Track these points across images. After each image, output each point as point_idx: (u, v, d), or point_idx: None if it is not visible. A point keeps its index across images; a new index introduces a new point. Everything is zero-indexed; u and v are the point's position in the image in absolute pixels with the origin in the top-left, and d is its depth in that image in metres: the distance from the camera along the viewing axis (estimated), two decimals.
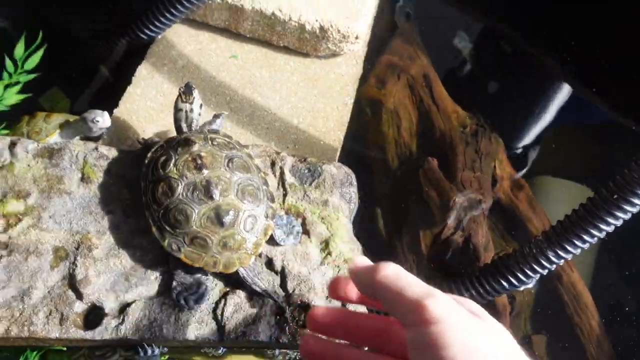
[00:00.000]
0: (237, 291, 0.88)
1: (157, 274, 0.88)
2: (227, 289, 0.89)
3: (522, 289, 1.06)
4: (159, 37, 1.25)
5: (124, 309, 0.84)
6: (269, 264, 0.92)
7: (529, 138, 1.45)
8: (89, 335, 0.82)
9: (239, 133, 1.15)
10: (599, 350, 1.12)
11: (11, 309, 0.81)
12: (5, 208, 0.89)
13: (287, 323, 0.87)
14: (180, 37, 1.27)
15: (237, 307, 0.87)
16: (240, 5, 1.21)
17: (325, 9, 1.22)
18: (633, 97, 1.46)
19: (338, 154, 1.17)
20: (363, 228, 1.09)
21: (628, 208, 0.91)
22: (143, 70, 1.21)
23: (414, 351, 0.43)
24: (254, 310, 0.87)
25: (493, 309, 1.09)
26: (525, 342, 1.12)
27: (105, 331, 0.82)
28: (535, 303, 1.16)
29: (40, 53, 1.12)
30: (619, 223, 0.93)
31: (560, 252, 0.97)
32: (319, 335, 0.52)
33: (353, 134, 1.23)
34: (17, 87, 1.09)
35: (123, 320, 0.83)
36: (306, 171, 1.03)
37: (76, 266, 0.86)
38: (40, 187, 0.91)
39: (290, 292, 0.89)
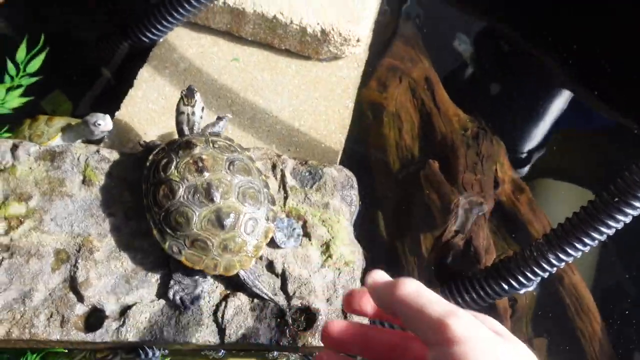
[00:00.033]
0: (238, 294, 0.88)
1: (158, 276, 0.88)
2: (228, 292, 0.89)
3: (523, 291, 1.06)
4: (161, 40, 1.26)
5: (124, 311, 0.84)
6: (270, 266, 0.92)
7: (531, 141, 1.45)
8: (89, 337, 0.82)
9: (240, 136, 1.15)
10: (601, 353, 1.12)
11: (12, 311, 0.81)
12: (7, 210, 0.89)
13: (287, 326, 0.87)
14: (182, 40, 1.28)
15: (238, 309, 0.87)
16: (241, 9, 1.22)
17: (326, 12, 1.22)
18: (633, 97, 1.46)
19: (339, 156, 1.17)
20: (364, 230, 1.09)
21: (629, 211, 0.91)
22: (145, 73, 1.21)
23: None
24: (255, 313, 0.87)
25: (494, 312, 1.09)
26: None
27: (106, 333, 0.83)
28: (537, 306, 1.15)
29: (42, 56, 1.12)
30: (620, 226, 0.93)
31: (561, 255, 0.97)
32: (333, 350, 0.52)
33: (354, 137, 1.23)
34: (19, 90, 1.10)
35: (124, 322, 0.83)
36: (307, 174, 1.03)
37: (77, 269, 0.86)
38: (41, 189, 0.92)
39: (291, 294, 0.89)
